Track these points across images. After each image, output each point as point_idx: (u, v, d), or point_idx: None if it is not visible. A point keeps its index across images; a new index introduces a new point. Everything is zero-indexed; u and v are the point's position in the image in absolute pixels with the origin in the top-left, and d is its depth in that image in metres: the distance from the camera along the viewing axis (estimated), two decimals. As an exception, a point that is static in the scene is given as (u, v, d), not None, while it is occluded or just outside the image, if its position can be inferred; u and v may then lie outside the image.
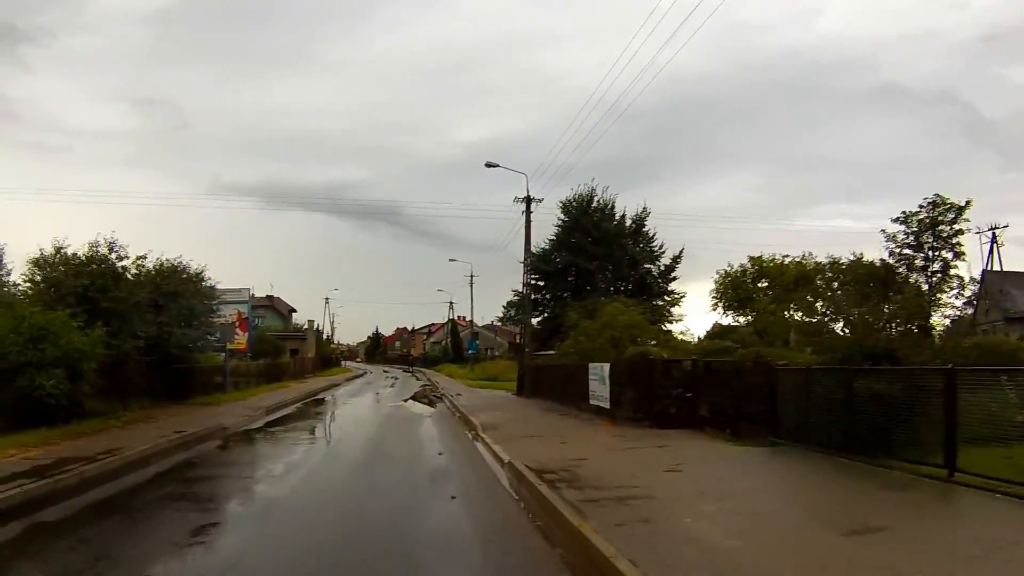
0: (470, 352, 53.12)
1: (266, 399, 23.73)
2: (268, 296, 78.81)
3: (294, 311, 79.49)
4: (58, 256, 15.95)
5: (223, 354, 25.96)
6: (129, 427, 13.79)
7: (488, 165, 26.20)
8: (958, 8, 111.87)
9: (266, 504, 7.99)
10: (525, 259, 27.60)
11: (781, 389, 10.88)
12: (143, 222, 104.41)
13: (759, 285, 39.40)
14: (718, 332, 33.34)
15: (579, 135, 69.80)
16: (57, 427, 12.17)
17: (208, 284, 20.94)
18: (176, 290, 18.84)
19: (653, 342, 20.44)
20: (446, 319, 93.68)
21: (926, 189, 61.26)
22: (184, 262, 19.64)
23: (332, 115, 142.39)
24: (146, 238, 74.74)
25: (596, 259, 32.54)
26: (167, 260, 19.04)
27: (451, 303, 68.98)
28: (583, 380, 17.31)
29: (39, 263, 15.80)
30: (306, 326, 79.78)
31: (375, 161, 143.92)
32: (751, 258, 39.65)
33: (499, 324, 69.85)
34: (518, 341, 39.65)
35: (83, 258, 16.11)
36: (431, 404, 23.77)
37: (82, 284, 15.34)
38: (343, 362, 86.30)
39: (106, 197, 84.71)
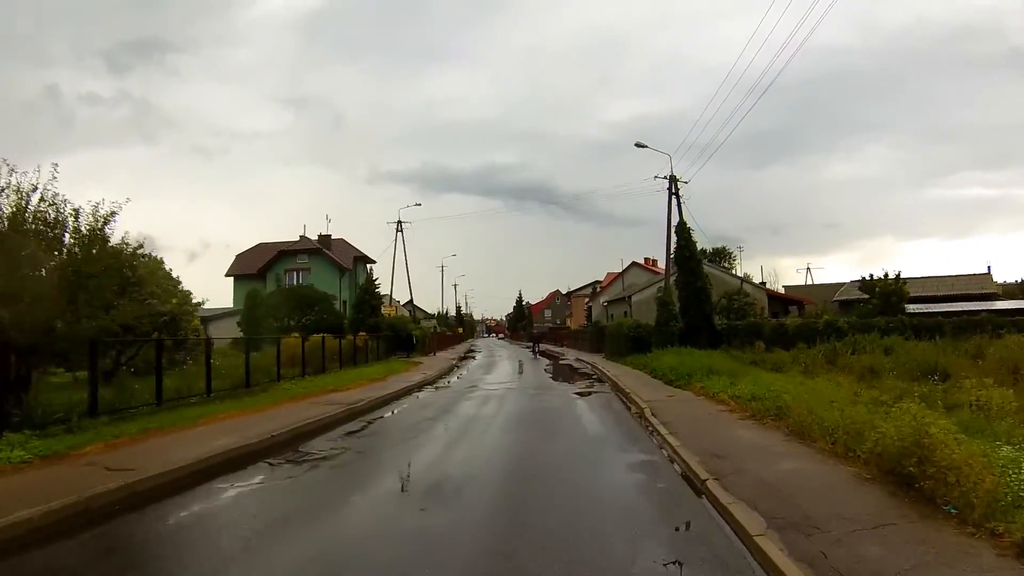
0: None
1: None
2: (317, 236, 44.09)
3: (371, 261, 46.46)
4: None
5: None
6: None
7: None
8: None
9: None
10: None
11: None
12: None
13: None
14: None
15: (722, 112, 64.78)
16: None
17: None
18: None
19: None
20: (625, 264, 57.13)
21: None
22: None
23: (482, 105, 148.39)
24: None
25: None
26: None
27: (671, 177, 28.68)
28: None
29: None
30: (402, 300, 47.15)
31: (527, 145, 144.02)
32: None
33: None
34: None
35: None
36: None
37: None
38: (473, 339, 53.21)
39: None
